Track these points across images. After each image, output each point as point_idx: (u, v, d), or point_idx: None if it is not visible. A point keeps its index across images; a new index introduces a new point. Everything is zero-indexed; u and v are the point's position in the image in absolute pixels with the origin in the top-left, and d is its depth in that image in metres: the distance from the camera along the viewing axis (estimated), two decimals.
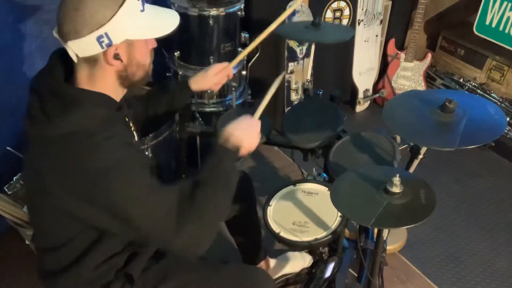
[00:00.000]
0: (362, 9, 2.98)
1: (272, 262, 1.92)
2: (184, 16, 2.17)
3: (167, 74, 2.45)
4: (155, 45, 1.18)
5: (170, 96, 1.55)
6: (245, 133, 1.26)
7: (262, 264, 1.87)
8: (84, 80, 1.11)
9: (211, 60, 2.26)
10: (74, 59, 1.08)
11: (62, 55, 1.14)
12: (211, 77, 1.59)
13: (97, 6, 1.03)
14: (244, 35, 2.39)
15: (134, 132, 1.34)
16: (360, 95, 3.22)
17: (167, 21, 1.16)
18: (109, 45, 1.05)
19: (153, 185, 1.11)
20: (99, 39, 1.04)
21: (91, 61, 1.08)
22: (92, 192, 1.05)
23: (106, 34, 1.04)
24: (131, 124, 1.31)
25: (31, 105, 1.10)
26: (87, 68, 1.10)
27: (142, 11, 1.10)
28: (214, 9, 2.17)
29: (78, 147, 1.06)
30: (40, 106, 1.08)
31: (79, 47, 1.05)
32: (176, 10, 2.15)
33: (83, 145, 1.05)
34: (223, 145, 1.23)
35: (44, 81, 1.11)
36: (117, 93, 1.17)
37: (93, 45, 1.04)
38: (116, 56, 1.08)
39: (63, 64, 1.13)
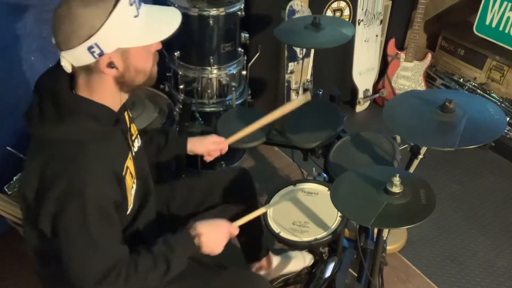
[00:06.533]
0: (362, 9, 2.98)
1: (275, 260, 1.91)
2: (184, 16, 2.14)
3: (167, 74, 2.45)
4: (159, 47, 1.14)
5: (164, 141, 1.57)
6: (214, 239, 1.27)
7: (264, 261, 1.87)
8: (84, 87, 1.11)
9: (211, 60, 2.26)
10: (69, 68, 1.07)
11: None
12: (208, 144, 1.62)
13: (86, 15, 1.00)
14: (244, 35, 2.39)
15: (134, 142, 1.32)
16: (360, 95, 3.22)
17: (165, 24, 1.12)
18: (101, 54, 1.04)
19: (98, 240, 1.09)
20: (90, 49, 1.02)
21: (87, 69, 1.07)
22: (45, 204, 1.06)
23: (96, 44, 1.02)
24: (128, 136, 1.28)
25: (33, 104, 1.11)
26: (84, 76, 1.10)
27: (136, 16, 1.06)
28: (214, 9, 2.17)
29: (63, 155, 1.06)
30: (39, 109, 1.09)
31: (72, 57, 1.05)
32: None
33: (68, 155, 1.06)
34: (190, 234, 1.23)
35: (48, 82, 1.11)
36: (116, 99, 1.16)
37: (85, 55, 1.03)
38: (111, 65, 1.06)
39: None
